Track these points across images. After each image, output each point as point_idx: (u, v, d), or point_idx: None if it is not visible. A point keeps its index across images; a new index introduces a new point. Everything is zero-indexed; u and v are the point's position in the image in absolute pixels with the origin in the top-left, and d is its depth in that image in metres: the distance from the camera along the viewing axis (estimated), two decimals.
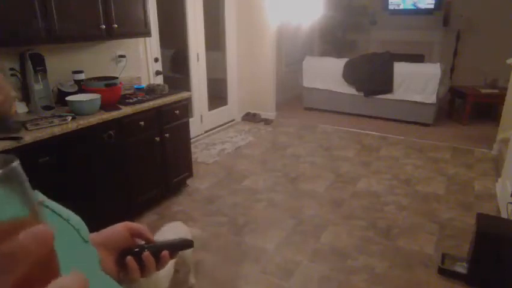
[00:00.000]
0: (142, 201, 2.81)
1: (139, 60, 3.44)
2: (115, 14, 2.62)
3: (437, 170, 3.68)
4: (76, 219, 0.52)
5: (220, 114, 5.08)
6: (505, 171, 3.11)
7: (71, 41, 2.60)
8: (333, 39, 7.38)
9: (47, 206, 0.48)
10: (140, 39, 3.40)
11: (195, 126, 4.47)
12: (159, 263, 0.64)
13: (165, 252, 0.64)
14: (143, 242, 0.67)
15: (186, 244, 0.70)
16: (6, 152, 1.84)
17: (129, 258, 0.62)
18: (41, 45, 2.38)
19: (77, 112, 2.33)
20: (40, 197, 0.49)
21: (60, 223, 0.48)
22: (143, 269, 0.63)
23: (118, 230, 0.65)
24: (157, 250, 0.64)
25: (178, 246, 0.68)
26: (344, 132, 4.88)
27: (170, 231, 2.08)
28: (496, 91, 5.02)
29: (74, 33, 2.44)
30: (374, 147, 4.35)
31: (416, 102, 5.01)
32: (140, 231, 0.66)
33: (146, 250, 0.63)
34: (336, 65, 5.49)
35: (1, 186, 0.26)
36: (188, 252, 2.16)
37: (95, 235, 0.63)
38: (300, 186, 3.38)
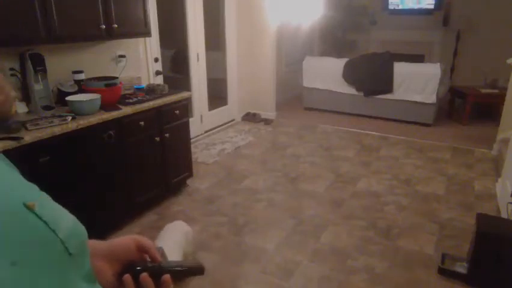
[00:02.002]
0: (142, 201, 2.81)
1: (139, 60, 3.44)
2: (115, 14, 2.62)
3: (437, 170, 3.68)
4: (67, 227, 0.49)
5: (220, 114, 5.08)
6: (505, 171, 3.11)
7: (71, 41, 2.60)
8: (333, 39, 7.39)
9: (34, 213, 0.45)
10: (140, 39, 3.40)
11: (195, 126, 4.47)
12: (160, 287, 0.60)
13: (166, 276, 0.60)
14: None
15: (194, 271, 0.64)
16: (6, 152, 1.84)
17: (126, 277, 0.59)
18: (41, 45, 2.38)
19: (77, 112, 2.33)
20: (34, 196, 0.48)
21: (42, 233, 0.45)
22: None
23: (125, 242, 0.63)
24: (159, 272, 0.60)
25: (183, 273, 0.63)
26: (344, 132, 4.88)
27: (172, 231, 2.09)
28: (496, 91, 5.02)
29: (74, 33, 2.44)
30: (374, 147, 4.35)
31: (416, 102, 5.01)
32: (147, 248, 0.63)
33: (148, 270, 0.60)
34: (336, 65, 5.49)
35: None
36: (190, 236, 2.15)
37: (100, 244, 0.62)
38: (300, 186, 3.38)
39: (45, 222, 0.46)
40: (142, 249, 0.63)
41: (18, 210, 0.44)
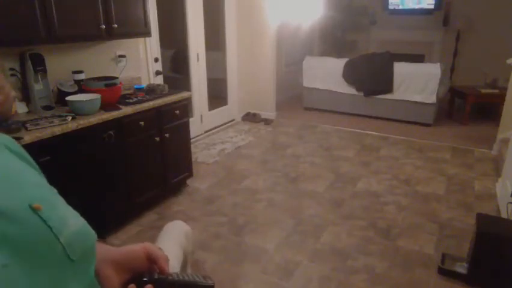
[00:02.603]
0: (142, 201, 2.81)
1: (139, 60, 3.44)
2: (115, 14, 2.62)
3: (437, 170, 3.68)
4: (72, 232, 0.48)
5: (220, 114, 5.08)
6: (505, 171, 3.11)
7: (71, 41, 2.60)
8: (333, 39, 7.39)
9: (39, 216, 0.45)
10: (140, 39, 3.40)
11: (195, 126, 4.47)
12: None
13: None
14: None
15: (202, 287, 0.62)
16: None
17: (130, 287, 0.58)
18: (41, 45, 2.38)
19: (77, 112, 2.33)
20: (44, 198, 0.47)
21: (43, 236, 0.44)
22: None
23: (135, 251, 0.62)
24: (166, 285, 0.59)
25: (190, 287, 0.62)
26: (344, 132, 4.88)
27: (172, 231, 2.09)
28: (496, 91, 5.02)
29: (74, 33, 2.44)
30: (374, 147, 4.35)
31: (416, 102, 5.01)
32: (156, 259, 0.62)
33: (154, 282, 0.59)
34: (336, 65, 5.49)
35: None
36: (190, 236, 2.14)
37: (110, 250, 0.61)
38: (300, 186, 3.38)
39: (49, 226, 0.45)
40: (151, 259, 0.62)
41: (21, 211, 0.43)
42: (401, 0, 6.91)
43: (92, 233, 0.53)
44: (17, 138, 1.91)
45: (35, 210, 0.45)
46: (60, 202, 0.51)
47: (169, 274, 0.61)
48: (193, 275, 0.63)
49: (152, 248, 0.63)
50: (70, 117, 2.21)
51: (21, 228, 0.42)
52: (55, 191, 0.52)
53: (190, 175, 3.30)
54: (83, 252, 0.50)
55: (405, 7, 6.92)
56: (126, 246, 0.63)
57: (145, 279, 0.59)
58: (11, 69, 2.36)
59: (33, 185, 0.50)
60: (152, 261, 0.62)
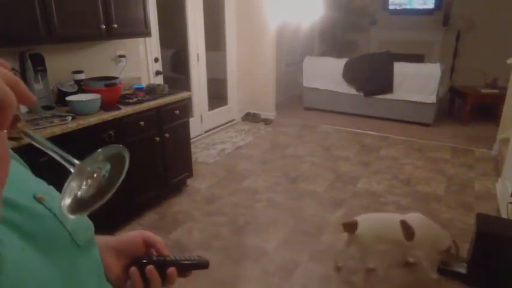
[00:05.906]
0: (142, 201, 2.81)
1: (139, 60, 3.44)
2: (115, 14, 2.62)
3: (437, 170, 3.68)
4: (74, 220, 0.49)
5: (220, 114, 5.08)
6: (505, 171, 3.11)
7: (71, 41, 2.60)
8: (333, 39, 7.39)
9: (43, 204, 0.47)
10: (140, 39, 3.40)
11: (195, 126, 4.47)
12: (166, 280, 0.61)
13: (172, 269, 0.61)
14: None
15: (199, 265, 0.65)
16: None
17: (132, 269, 0.60)
18: (41, 45, 2.38)
19: (77, 112, 2.33)
20: (43, 190, 0.49)
21: (51, 224, 0.47)
22: (149, 283, 0.60)
23: (133, 237, 0.64)
24: (165, 265, 0.62)
25: (188, 266, 0.65)
26: (344, 132, 4.88)
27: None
28: (496, 91, 5.02)
29: (74, 33, 2.44)
30: (374, 147, 4.35)
31: (416, 102, 5.01)
32: (153, 243, 0.64)
33: (154, 263, 0.61)
34: (336, 65, 5.49)
35: None
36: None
37: (109, 239, 0.63)
38: (300, 186, 3.38)
39: (54, 214, 0.47)
40: (148, 244, 0.64)
41: (27, 201, 0.46)
42: (408, 0, 6.88)
43: (91, 223, 0.56)
44: (17, 138, 1.91)
45: (39, 200, 0.47)
46: (56, 193, 0.53)
47: (167, 255, 0.64)
48: (189, 255, 0.66)
49: (148, 233, 0.65)
50: (70, 117, 2.21)
51: (30, 217, 0.44)
52: (45, 183, 0.55)
53: (190, 175, 3.30)
54: (86, 239, 0.52)
55: (407, 7, 6.91)
56: (123, 234, 0.65)
57: (144, 261, 0.62)
58: (11, 69, 2.35)
59: (31, 179, 0.52)
60: (149, 246, 0.64)
